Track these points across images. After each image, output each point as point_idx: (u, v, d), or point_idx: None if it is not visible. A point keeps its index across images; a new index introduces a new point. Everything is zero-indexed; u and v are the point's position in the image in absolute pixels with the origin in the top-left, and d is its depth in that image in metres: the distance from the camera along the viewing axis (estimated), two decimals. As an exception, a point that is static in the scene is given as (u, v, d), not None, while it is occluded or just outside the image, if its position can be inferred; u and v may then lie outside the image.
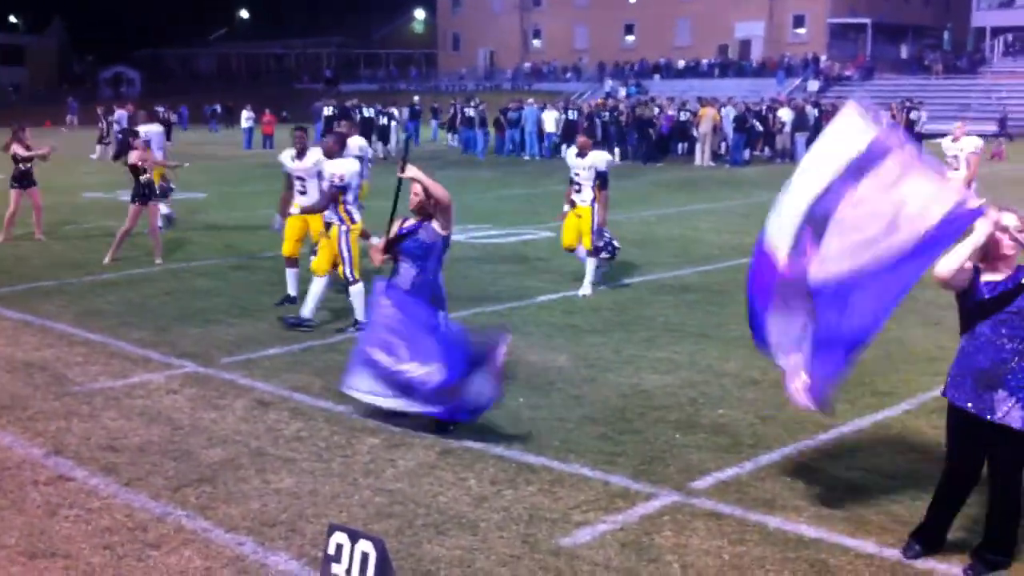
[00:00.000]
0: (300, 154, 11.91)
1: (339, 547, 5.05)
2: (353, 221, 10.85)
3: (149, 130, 19.72)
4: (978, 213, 5.46)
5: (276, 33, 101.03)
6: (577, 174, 12.89)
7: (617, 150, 36.59)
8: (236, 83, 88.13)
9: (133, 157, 15.12)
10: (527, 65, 79.61)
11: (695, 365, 9.63)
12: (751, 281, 6.68)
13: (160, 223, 16.12)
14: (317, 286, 10.93)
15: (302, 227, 11.85)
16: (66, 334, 10.92)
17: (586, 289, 12.83)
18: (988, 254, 5.46)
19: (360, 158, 14.53)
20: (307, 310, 10.99)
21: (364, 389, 7.92)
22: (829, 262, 5.95)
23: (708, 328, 11.05)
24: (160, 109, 47.74)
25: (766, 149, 38.09)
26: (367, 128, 36.55)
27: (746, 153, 35.70)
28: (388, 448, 7.46)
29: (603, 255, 12.90)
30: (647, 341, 10.53)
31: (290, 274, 12.06)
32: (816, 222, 6.07)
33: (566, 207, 13.12)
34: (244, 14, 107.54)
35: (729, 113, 36.38)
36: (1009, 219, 5.42)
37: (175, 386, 9.05)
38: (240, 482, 6.85)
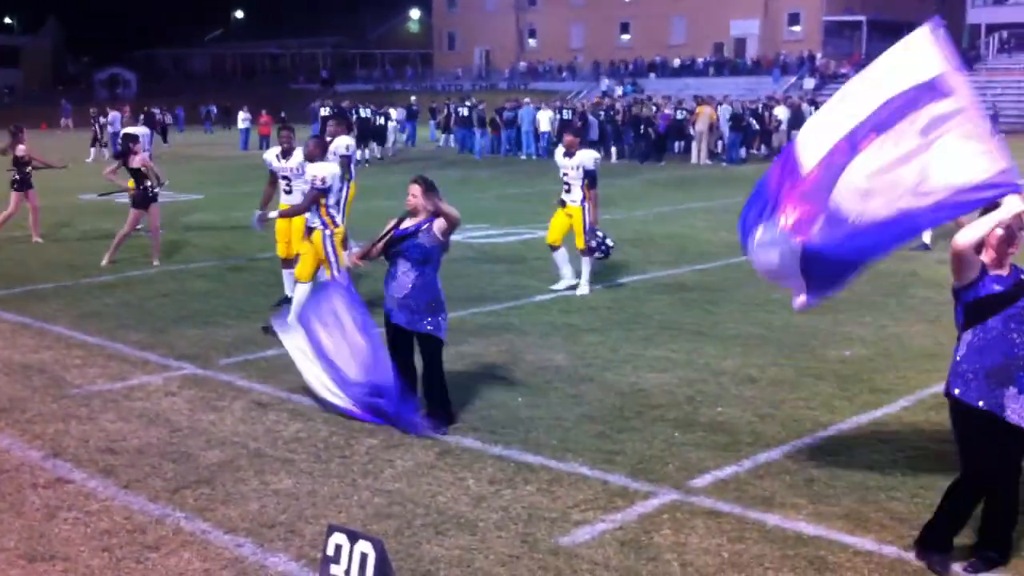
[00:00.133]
0: (286, 154, 11.94)
1: (338, 548, 5.05)
2: (336, 224, 10.79)
3: (136, 132, 19.72)
4: (1015, 188, 5.33)
5: (272, 33, 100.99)
6: (566, 173, 12.83)
7: (614, 149, 36.64)
8: (232, 84, 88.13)
9: (136, 161, 15.14)
10: (523, 64, 79.60)
11: (692, 363, 9.64)
12: (765, 179, 6.50)
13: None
14: (301, 292, 10.88)
15: (290, 227, 11.82)
16: (64, 336, 10.91)
17: (583, 289, 12.82)
18: (1000, 243, 5.32)
19: (347, 157, 14.55)
20: (292, 316, 10.94)
21: (296, 345, 8.20)
22: (850, 190, 5.84)
23: (705, 326, 11.06)
24: (156, 111, 47.80)
25: (762, 147, 38.09)
26: (364, 129, 36.57)
27: (742, 151, 35.71)
28: (386, 448, 7.46)
29: (596, 255, 12.85)
30: (644, 340, 10.54)
31: (286, 275, 12.06)
32: (852, 142, 5.92)
33: (559, 206, 13.08)
34: (240, 14, 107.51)
35: (725, 112, 36.39)
36: None
37: (173, 388, 9.05)
38: (239, 483, 6.85)
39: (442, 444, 7.53)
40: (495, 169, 33.00)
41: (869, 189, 5.79)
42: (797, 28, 71.51)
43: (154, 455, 7.38)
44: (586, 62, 76.08)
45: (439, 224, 7.82)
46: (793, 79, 61.60)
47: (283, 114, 42.42)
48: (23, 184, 17.27)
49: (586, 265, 12.87)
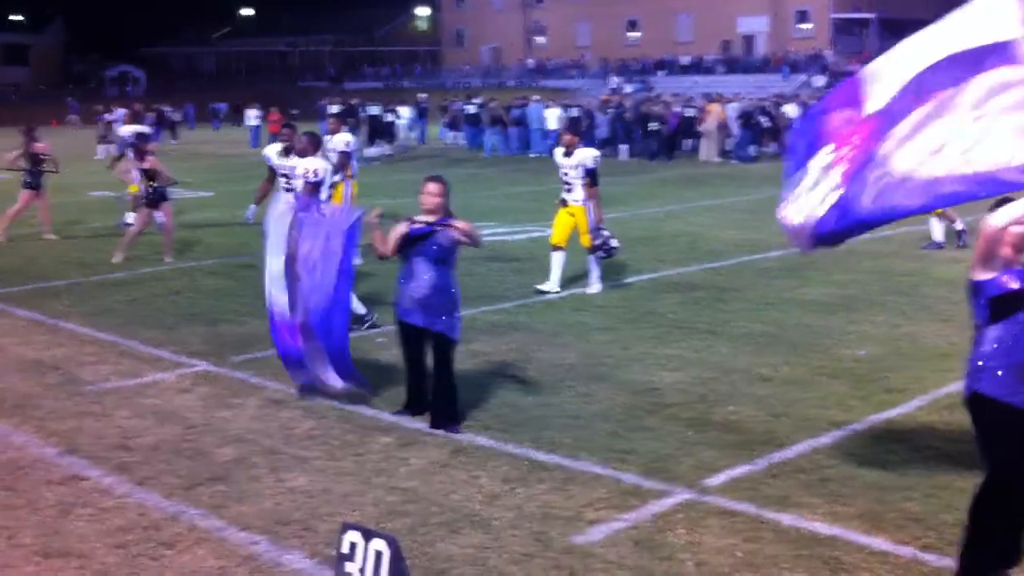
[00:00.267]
0: (287, 151, 11.98)
1: (353, 545, 5.05)
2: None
3: (130, 130, 19.77)
4: None
5: (280, 31, 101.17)
6: (566, 173, 12.71)
7: (623, 147, 36.60)
8: (240, 81, 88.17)
9: (149, 162, 15.19)
10: (530, 62, 79.59)
11: (705, 362, 9.63)
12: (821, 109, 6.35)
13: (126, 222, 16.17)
14: None
15: None
16: (76, 333, 10.94)
17: (594, 287, 12.81)
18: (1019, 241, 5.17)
19: (347, 153, 14.57)
20: (360, 307, 10.98)
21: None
22: (903, 145, 5.67)
23: (717, 325, 11.05)
24: (166, 109, 47.90)
25: (772, 145, 38.04)
26: (374, 126, 36.62)
27: (752, 149, 35.65)
28: (400, 447, 7.47)
29: (599, 254, 12.71)
30: (656, 338, 10.53)
31: None
32: (917, 93, 5.76)
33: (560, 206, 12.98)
34: (248, 12, 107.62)
35: (735, 110, 36.34)
36: None
37: (187, 385, 9.07)
38: (253, 481, 6.86)
39: (456, 442, 7.53)
40: (503, 167, 33.00)
41: (921, 147, 5.61)
42: (806, 26, 71.41)
43: (168, 452, 7.40)
44: (594, 60, 76.06)
45: (459, 229, 7.83)
46: (803, 77, 61.52)
47: (294, 111, 42.49)
48: (35, 182, 17.25)
49: (595, 264, 12.85)
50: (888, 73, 6.03)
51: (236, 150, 41.49)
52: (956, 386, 8.23)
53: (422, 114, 44.62)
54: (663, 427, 7.84)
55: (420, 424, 7.88)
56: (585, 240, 12.70)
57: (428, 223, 7.83)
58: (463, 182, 25.08)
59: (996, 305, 5.22)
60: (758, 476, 6.84)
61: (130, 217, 17.53)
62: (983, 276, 5.24)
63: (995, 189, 5.37)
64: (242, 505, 6.46)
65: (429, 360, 8.01)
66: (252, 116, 45.86)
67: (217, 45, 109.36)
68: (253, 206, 11.99)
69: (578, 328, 11.01)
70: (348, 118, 31.79)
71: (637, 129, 36.96)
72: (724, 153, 35.58)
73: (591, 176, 12.63)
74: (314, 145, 11.48)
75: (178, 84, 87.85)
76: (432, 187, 7.86)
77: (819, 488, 6.61)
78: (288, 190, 11.87)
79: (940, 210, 14.77)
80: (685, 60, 71.08)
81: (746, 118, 35.56)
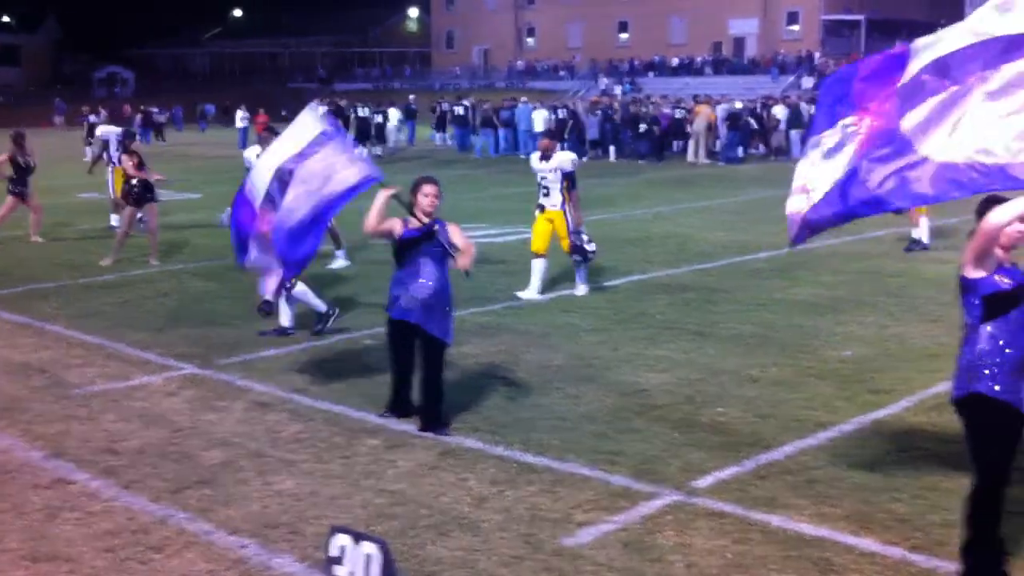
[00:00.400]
0: None
1: (342, 549, 5.05)
2: None
3: (107, 131, 19.69)
4: None
5: (270, 32, 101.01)
6: (544, 177, 12.56)
7: (612, 148, 36.62)
8: (230, 82, 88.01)
9: (124, 162, 15.17)
10: (520, 63, 79.58)
11: (693, 363, 9.63)
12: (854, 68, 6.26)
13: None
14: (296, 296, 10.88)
15: None
16: (64, 336, 10.91)
17: (581, 289, 12.76)
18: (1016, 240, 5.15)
19: None
20: (287, 321, 10.91)
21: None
22: (928, 127, 5.59)
23: (705, 326, 11.05)
24: (153, 110, 47.76)
25: (761, 146, 38.11)
26: (363, 128, 36.55)
27: (740, 150, 35.70)
28: (388, 449, 7.46)
29: (575, 257, 12.57)
30: (645, 340, 10.53)
31: None
32: (945, 72, 5.68)
33: (538, 212, 12.89)
34: (238, 13, 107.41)
35: (724, 111, 36.40)
36: None
37: (174, 388, 9.04)
38: (240, 484, 6.84)
39: (444, 445, 7.52)
40: (492, 168, 32.98)
41: (943, 131, 5.55)
42: (795, 27, 71.55)
43: (155, 455, 7.38)
44: (584, 61, 76.08)
45: (453, 232, 7.90)
46: (791, 78, 61.62)
47: (284, 112, 42.40)
48: (21, 190, 17.12)
49: (578, 266, 12.76)
50: (929, 50, 5.91)
51: (224, 152, 41.35)
52: (943, 386, 8.25)
53: (411, 115, 44.56)
54: (651, 429, 7.84)
55: (408, 426, 7.86)
56: (566, 244, 12.55)
57: (426, 223, 7.81)
58: (453, 183, 25.04)
59: (989, 304, 5.19)
60: (746, 477, 6.85)
61: (114, 220, 17.49)
62: (976, 274, 5.21)
63: (1006, 183, 5.29)
64: (230, 508, 6.44)
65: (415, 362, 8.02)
66: (240, 118, 45.75)
67: (208, 46, 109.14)
68: (229, 209, 11.79)
69: (567, 329, 11.01)
70: (337, 120, 31.69)
71: (626, 131, 36.99)
72: (712, 154, 35.63)
73: (569, 179, 12.49)
74: None
75: (167, 85, 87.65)
76: (429, 188, 7.86)
77: (806, 489, 6.61)
78: None
79: (924, 209, 14.77)
80: (675, 62, 71.12)
81: (733, 119, 35.60)
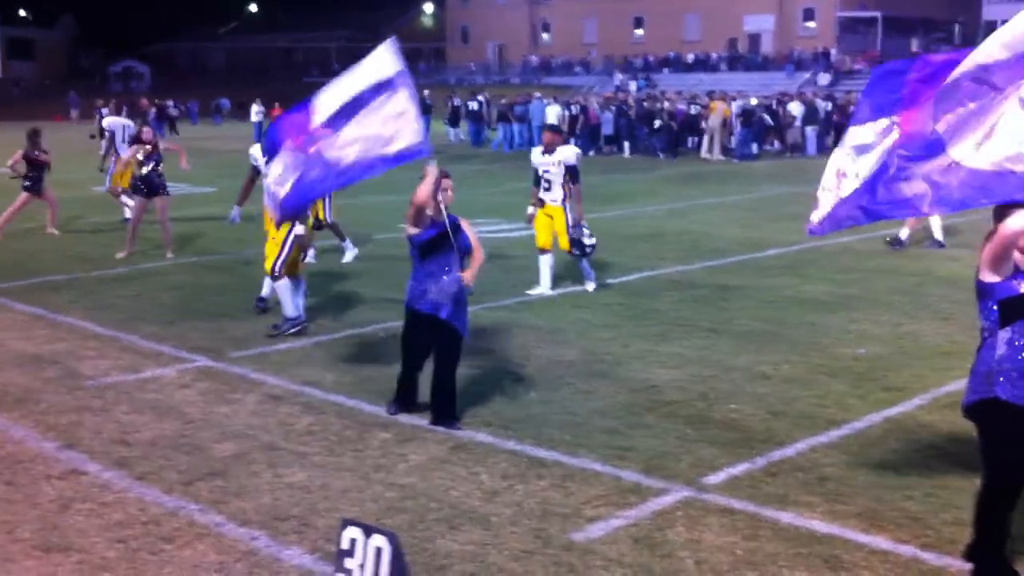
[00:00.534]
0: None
1: (353, 541, 5.05)
2: (306, 216, 10.74)
3: (114, 123, 19.72)
4: None
5: (285, 27, 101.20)
6: (547, 171, 12.45)
7: (627, 144, 36.59)
8: (245, 77, 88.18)
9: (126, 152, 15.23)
10: (534, 59, 79.52)
11: (705, 360, 9.62)
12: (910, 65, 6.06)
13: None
14: (281, 288, 10.87)
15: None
16: (77, 328, 10.95)
17: (590, 284, 12.73)
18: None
19: None
20: (290, 310, 10.90)
21: None
22: (964, 130, 5.47)
23: (718, 323, 11.04)
24: (169, 104, 47.88)
25: (776, 143, 38.03)
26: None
27: (754, 147, 35.62)
28: (400, 443, 7.47)
29: (574, 251, 12.44)
30: (657, 336, 10.52)
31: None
32: (985, 78, 5.53)
33: (530, 209, 12.76)
34: (254, 8, 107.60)
35: (738, 107, 36.33)
36: None
37: (187, 380, 9.07)
38: (252, 476, 6.86)
39: (455, 439, 7.52)
40: (507, 163, 32.97)
41: (975, 136, 5.43)
42: (812, 24, 71.33)
43: (167, 447, 7.40)
44: (599, 57, 76.00)
45: (468, 230, 7.93)
46: (807, 75, 61.46)
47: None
48: (35, 187, 17.20)
49: (583, 263, 12.68)
50: (971, 57, 5.74)
51: (239, 146, 41.36)
52: (957, 385, 8.25)
53: (426, 111, 44.54)
54: (663, 425, 7.83)
55: (419, 420, 7.87)
56: (564, 242, 12.43)
57: (448, 218, 7.81)
58: (468, 178, 25.11)
59: (1006, 308, 5.10)
60: (757, 474, 6.84)
61: (127, 212, 17.54)
62: (993, 279, 5.13)
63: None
64: (241, 500, 6.45)
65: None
66: (255, 112, 45.86)
67: (223, 41, 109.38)
68: (237, 207, 11.72)
69: (579, 325, 11.00)
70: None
71: (641, 127, 36.95)
72: (727, 151, 35.57)
73: (572, 174, 12.44)
74: None
75: (183, 80, 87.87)
76: (447, 182, 7.85)
77: (818, 487, 6.60)
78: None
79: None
80: (690, 58, 70.99)
81: (746, 116, 35.53)
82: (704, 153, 35.33)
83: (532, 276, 13.03)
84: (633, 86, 60.56)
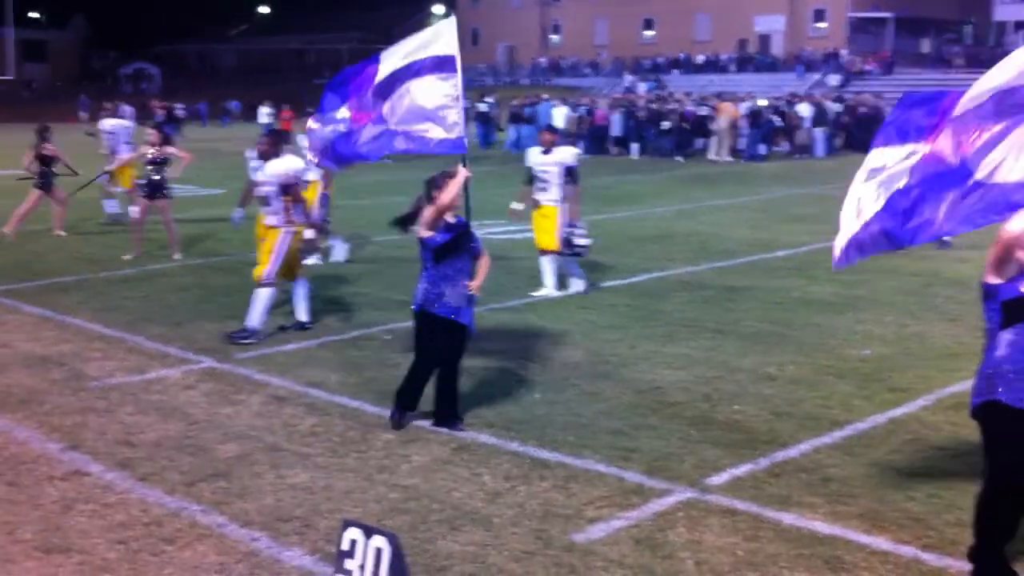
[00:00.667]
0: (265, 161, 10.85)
1: (353, 543, 5.05)
2: (298, 223, 10.62)
3: (114, 125, 19.75)
4: None
5: (296, 28, 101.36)
6: (544, 171, 12.38)
7: (635, 146, 36.57)
8: (256, 79, 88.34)
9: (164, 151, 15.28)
10: (543, 60, 79.47)
11: (711, 361, 9.60)
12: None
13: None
14: (299, 291, 10.86)
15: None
16: (84, 329, 10.97)
17: (577, 285, 12.61)
18: None
19: None
20: (301, 313, 10.90)
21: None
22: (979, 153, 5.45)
23: (725, 324, 11.02)
24: (178, 106, 47.97)
25: (785, 144, 37.97)
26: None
27: (762, 148, 35.58)
28: (402, 444, 7.47)
29: (565, 251, 12.36)
30: (663, 337, 10.51)
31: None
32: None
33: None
34: (265, 10, 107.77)
35: (747, 108, 36.30)
36: None
37: (191, 381, 9.08)
38: (255, 477, 6.87)
39: (458, 440, 7.52)
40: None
41: (997, 155, 5.40)
42: (822, 24, 71.17)
43: (171, 448, 7.41)
44: (610, 58, 75.95)
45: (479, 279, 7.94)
46: (817, 76, 61.33)
47: (309, 109, 42.44)
48: (46, 183, 17.32)
49: (569, 265, 12.57)
50: (981, 83, 5.72)
51: (249, 148, 41.54)
52: (962, 386, 8.24)
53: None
54: (667, 426, 7.82)
55: (422, 421, 7.87)
56: (552, 241, 12.35)
57: (459, 219, 7.79)
58: (478, 180, 24.98)
59: (1009, 309, 5.10)
60: (760, 475, 6.82)
61: (132, 210, 17.58)
62: (996, 280, 5.13)
63: None
64: (243, 501, 6.46)
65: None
66: (264, 114, 45.93)
67: (234, 43, 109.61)
68: (240, 209, 11.62)
69: (585, 326, 10.99)
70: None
71: (649, 128, 36.95)
72: (735, 152, 35.54)
73: (571, 174, 12.37)
74: (275, 144, 10.85)
75: (194, 81, 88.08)
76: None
77: (821, 487, 6.58)
78: (266, 204, 10.70)
79: None
80: (700, 59, 70.89)
81: (754, 117, 35.48)
82: (712, 155, 35.30)
83: (537, 276, 13.02)
84: (643, 87, 60.48)
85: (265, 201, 10.62)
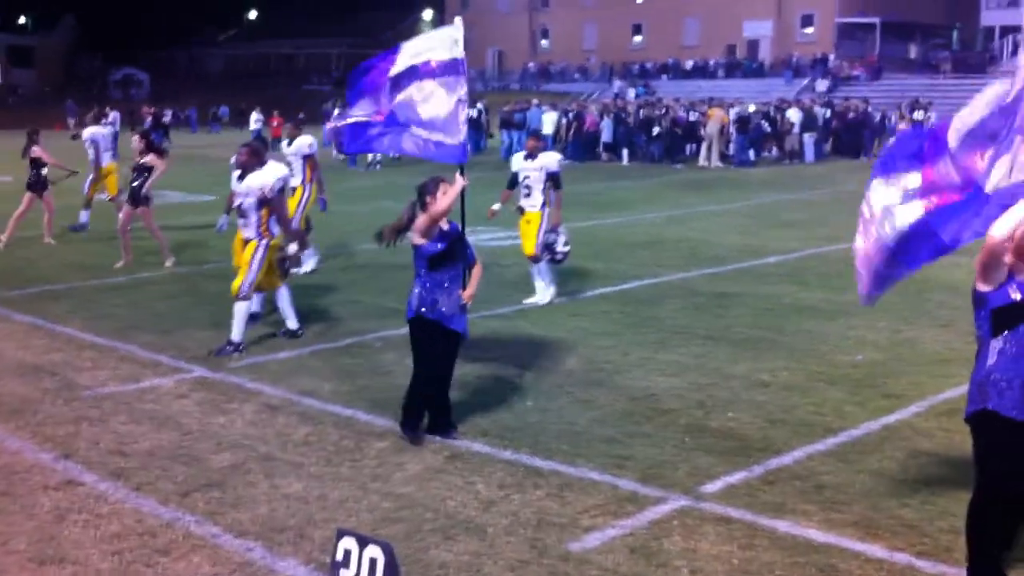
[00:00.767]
0: (243, 175, 10.61)
1: (347, 552, 5.04)
2: (272, 235, 10.50)
3: (94, 133, 19.73)
4: None
5: (285, 34, 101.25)
6: (527, 176, 12.39)
7: (625, 151, 36.61)
8: (245, 84, 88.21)
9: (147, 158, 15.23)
10: (532, 65, 79.50)
11: (704, 368, 9.61)
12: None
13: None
14: (282, 300, 10.82)
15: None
16: (75, 338, 10.94)
17: (541, 296, 12.53)
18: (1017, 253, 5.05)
19: (312, 156, 14.44)
20: (290, 321, 10.87)
21: None
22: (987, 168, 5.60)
23: (716, 331, 11.03)
24: (167, 112, 47.84)
25: (774, 150, 38.06)
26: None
27: (751, 153, 35.66)
28: (396, 452, 7.46)
29: (545, 256, 12.31)
30: (656, 344, 10.51)
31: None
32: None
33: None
34: (253, 15, 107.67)
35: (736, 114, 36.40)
36: None
37: (184, 390, 9.06)
38: (249, 487, 6.85)
39: (452, 448, 7.52)
40: (505, 171, 32.92)
41: (1001, 167, 5.53)
42: (810, 30, 71.35)
43: (164, 458, 7.39)
44: (598, 63, 76.03)
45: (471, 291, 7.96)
46: (806, 81, 61.48)
47: (301, 115, 42.29)
48: (38, 185, 17.36)
49: (545, 270, 12.51)
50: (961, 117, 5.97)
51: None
52: (954, 392, 8.27)
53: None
54: (661, 433, 7.82)
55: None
56: (530, 247, 12.33)
57: (452, 226, 7.78)
58: (470, 185, 25.02)
59: (999, 317, 5.09)
60: (755, 483, 6.83)
61: (83, 219, 17.62)
62: (985, 287, 5.13)
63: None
64: (237, 511, 6.44)
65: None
66: (254, 120, 45.87)
67: (223, 48, 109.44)
68: (224, 216, 11.54)
69: (578, 333, 10.99)
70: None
71: (640, 134, 37.00)
72: (725, 158, 35.61)
73: (554, 180, 12.35)
74: (256, 156, 10.64)
75: (182, 87, 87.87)
76: (445, 187, 7.77)
77: (815, 495, 6.59)
78: (242, 216, 10.60)
79: None
80: (689, 64, 71.00)
81: (742, 122, 35.54)
82: (702, 161, 35.36)
83: (528, 283, 13.03)
84: (632, 93, 60.56)
85: (242, 213, 10.48)
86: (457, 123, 8.12)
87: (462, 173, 7.84)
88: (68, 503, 6.58)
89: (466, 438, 7.70)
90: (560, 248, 12.22)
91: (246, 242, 10.54)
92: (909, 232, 5.91)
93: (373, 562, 4.94)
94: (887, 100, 47.13)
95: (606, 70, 73.61)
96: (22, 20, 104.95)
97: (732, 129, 35.68)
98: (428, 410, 7.80)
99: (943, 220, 5.76)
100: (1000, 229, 4.99)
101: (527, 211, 12.44)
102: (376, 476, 7.01)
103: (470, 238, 8.10)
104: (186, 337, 10.90)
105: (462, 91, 8.23)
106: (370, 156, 33.97)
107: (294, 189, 13.98)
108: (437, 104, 8.11)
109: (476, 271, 7.92)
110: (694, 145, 37.35)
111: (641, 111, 38.67)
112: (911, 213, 5.95)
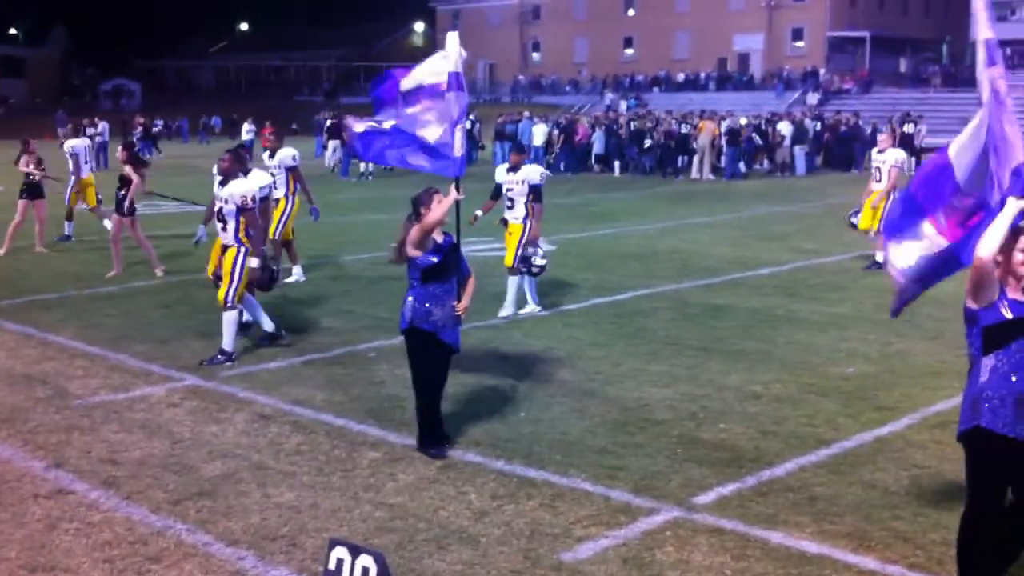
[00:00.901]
0: (225, 181, 10.50)
1: (340, 562, 5.04)
2: (251, 244, 10.40)
3: (75, 145, 19.73)
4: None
5: (277, 45, 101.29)
6: (511, 189, 12.39)
7: (617, 163, 36.69)
8: (237, 95, 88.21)
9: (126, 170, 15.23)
10: (522, 78, 79.62)
11: (696, 379, 9.62)
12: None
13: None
14: (249, 308, 10.78)
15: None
16: (67, 347, 10.91)
17: (530, 307, 12.56)
18: (1006, 270, 5.08)
19: (295, 167, 14.42)
20: (265, 325, 10.83)
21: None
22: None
23: (708, 342, 11.04)
24: (158, 123, 47.81)
25: (765, 162, 38.16)
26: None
27: (742, 166, 35.76)
28: (389, 462, 7.45)
29: (522, 268, 12.31)
30: (648, 355, 10.52)
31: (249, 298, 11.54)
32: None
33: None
34: (245, 27, 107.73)
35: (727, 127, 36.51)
36: None
37: (176, 399, 9.04)
38: (241, 496, 6.84)
39: (444, 458, 7.50)
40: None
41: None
42: (800, 43, 71.59)
43: (156, 467, 7.37)
44: (589, 76, 76.19)
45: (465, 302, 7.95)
46: (797, 94, 61.67)
47: (294, 126, 42.36)
48: (31, 194, 17.42)
49: (512, 285, 12.46)
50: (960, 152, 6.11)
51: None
52: (946, 404, 8.29)
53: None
54: (653, 444, 7.82)
55: (409, 440, 7.84)
56: (508, 258, 12.33)
57: (447, 238, 7.77)
58: (465, 198, 25.04)
59: (991, 335, 5.09)
60: (747, 494, 6.83)
61: (107, 224, 17.54)
62: (975, 305, 5.14)
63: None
64: (229, 520, 6.43)
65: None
66: (246, 130, 45.90)
67: (215, 59, 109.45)
68: (202, 227, 11.46)
69: (570, 344, 11.00)
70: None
71: (631, 146, 37.08)
72: (716, 170, 35.70)
73: (536, 193, 12.35)
74: (240, 164, 10.60)
75: (174, 98, 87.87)
76: (439, 197, 7.74)
77: (807, 507, 6.60)
78: (221, 221, 10.43)
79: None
80: (680, 77, 71.17)
81: (732, 135, 35.64)
82: (694, 173, 35.44)
83: (521, 295, 13.02)
84: (623, 105, 60.67)
85: (221, 219, 10.39)
86: (454, 137, 8.16)
87: (457, 187, 7.82)
88: (59, 511, 6.56)
89: (459, 448, 7.70)
90: (537, 261, 12.25)
91: (224, 248, 10.46)
92: (933, 256, 6.07)
93: (365, 571, 4.94)
94: (877, 113, 47.30)
95: (597, 83, 73.75)
96: (13, 31, 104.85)
97: (723, 142, 35.77)
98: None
99: (964, 246, 5.88)
100: (985, 248, 4.99)
101: (510, 223, 12.45)
102: (368, 486, 7.00)
103: (462, 249, 8.08)
104: (178, 346, 10.88)
105: (461, 104, 8.28)
106: (363, 166, 33.97)
107: (277, 201, 13.96)
108: (437, 117, 8.18)
109: (470, 284, 7.92)
110: (686, 157, 37.42)
111: (632, 123, 38.73)
112: (933, 247, 6.17)
